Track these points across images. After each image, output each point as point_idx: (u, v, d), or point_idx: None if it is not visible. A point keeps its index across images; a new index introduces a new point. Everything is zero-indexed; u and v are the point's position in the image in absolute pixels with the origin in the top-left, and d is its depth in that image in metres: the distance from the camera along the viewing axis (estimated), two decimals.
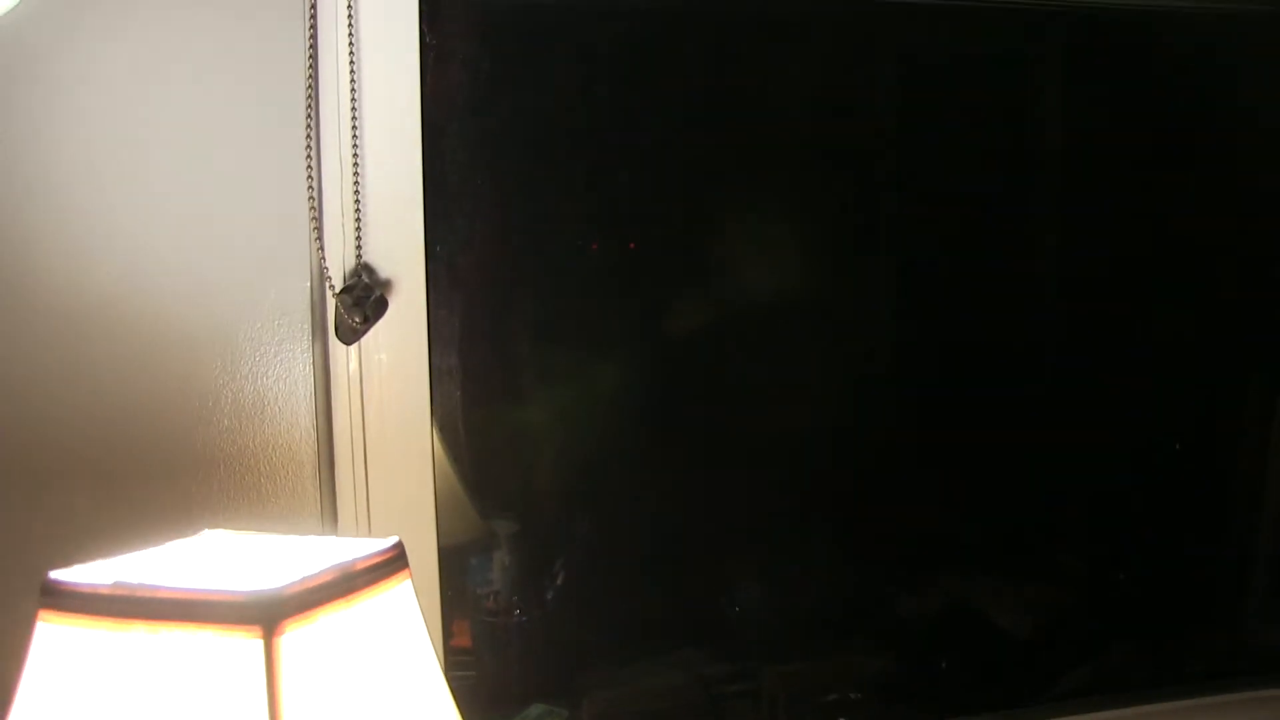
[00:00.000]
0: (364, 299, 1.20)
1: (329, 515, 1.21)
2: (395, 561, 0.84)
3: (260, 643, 0.69)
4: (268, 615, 0.70)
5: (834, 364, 1.66)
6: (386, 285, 1.23)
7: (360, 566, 0.80)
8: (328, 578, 0.76)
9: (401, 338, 1.24)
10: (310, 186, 1.14)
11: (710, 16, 1.52)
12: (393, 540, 0.85)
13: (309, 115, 1.14)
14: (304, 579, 0.74)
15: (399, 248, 1.23)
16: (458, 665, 1.50)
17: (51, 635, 0.74)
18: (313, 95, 1.15)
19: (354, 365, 1.23)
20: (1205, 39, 1.76)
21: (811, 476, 1.66)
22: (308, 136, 1.14)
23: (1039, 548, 1.80)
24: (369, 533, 1.24)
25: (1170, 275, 1.80)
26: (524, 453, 1.55)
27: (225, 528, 0.90)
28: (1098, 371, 1.77)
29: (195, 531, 0.89)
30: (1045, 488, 1.76)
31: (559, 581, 1.59)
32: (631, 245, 1.53)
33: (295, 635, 0.71)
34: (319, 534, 1.19)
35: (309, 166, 1.14)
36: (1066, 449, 1.74)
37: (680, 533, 1.62)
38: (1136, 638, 1.77)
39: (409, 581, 0.86)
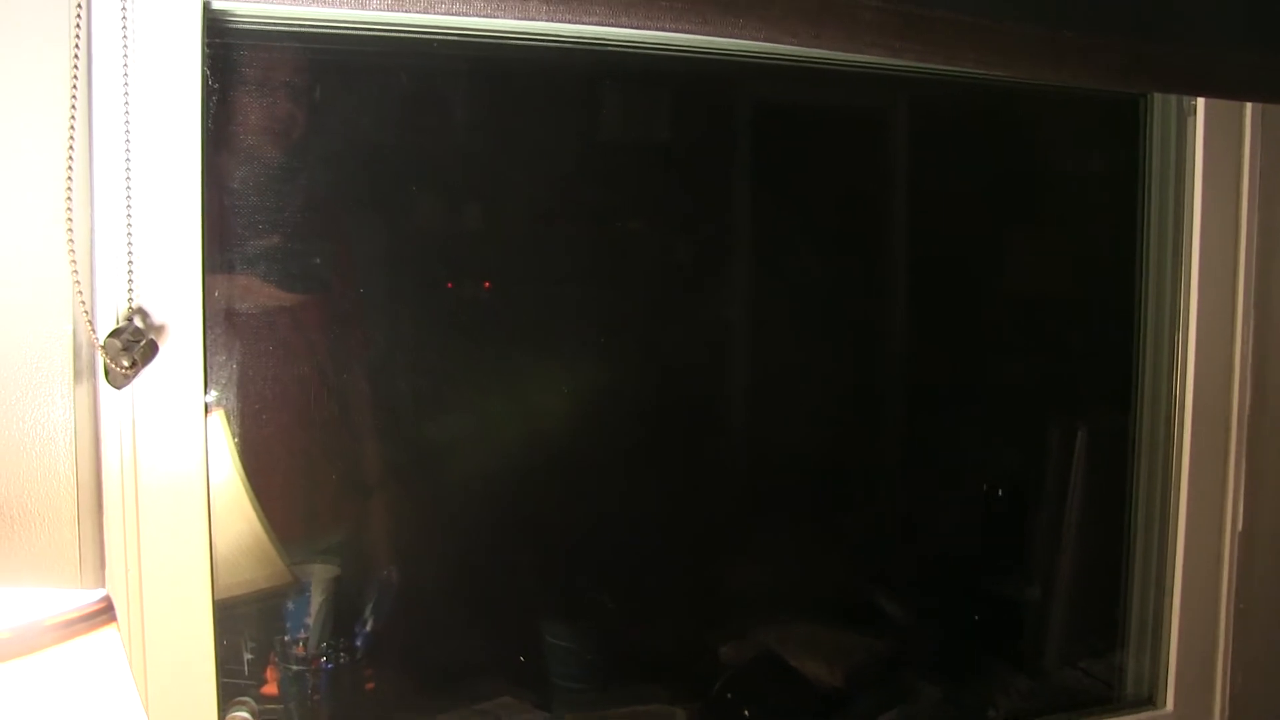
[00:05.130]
0: (133, 344, 1.18)
1: (93, 565, 1.18)
2: (99, 615, 0.82)
3: None
4: None
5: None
6: (159, 330, 1.21)
7: (53, 622, 0.78)
8: None
9: (176, 382, 1.23)
10: (70, 228, 1.12)
11: (502, 61, 1.51)
12: (101, 593, 0.84)
13: (70, 157, 1.12)
14: None
15: (174, 291, 1.22)
16: (267, 715, 1.48)
17: None
18: (75, 136, 1.12)
19: (126, 411, 1.21)
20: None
21: (623, 520, 1.68)
22: (68, 177, 1.12)
23: (846, 592, 1.83)
24: (140, 580, 1.22)
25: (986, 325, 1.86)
26: (325, 496, 1.53)
27: None
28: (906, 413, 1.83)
29: None
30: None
31: (368, 627, 1.58)
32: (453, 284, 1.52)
33: None
34: (78, 585, 1.16)
35: (69, 208, 1.12)
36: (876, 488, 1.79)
37: (488, 573, 1.62)
38: (940, 682, 1.81)
39: (114, 633, 0.84)
